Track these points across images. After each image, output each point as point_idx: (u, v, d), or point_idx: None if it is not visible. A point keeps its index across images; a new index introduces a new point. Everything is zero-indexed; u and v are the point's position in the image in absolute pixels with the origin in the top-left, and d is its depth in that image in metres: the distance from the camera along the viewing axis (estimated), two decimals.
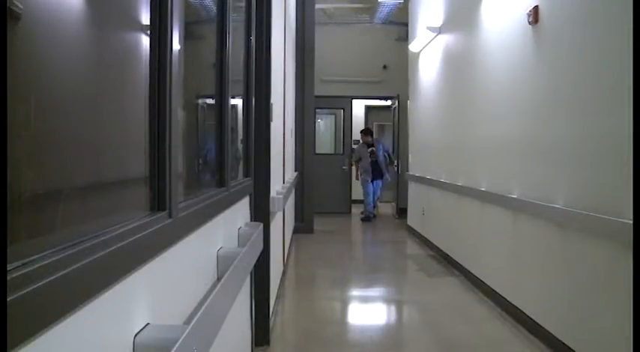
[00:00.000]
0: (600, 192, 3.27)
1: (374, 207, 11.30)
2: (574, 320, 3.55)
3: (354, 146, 11.97)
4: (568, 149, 3.65)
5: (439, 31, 7.38)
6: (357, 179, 11.54)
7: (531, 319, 4.15)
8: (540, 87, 4.10)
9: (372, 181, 11.17)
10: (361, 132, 11.51)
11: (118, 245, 0.99)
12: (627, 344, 2.52)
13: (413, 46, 8.90)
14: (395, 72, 11.15)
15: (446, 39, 7.10)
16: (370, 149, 11.11)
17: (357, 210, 11.89)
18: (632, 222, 2.80)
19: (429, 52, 8.10)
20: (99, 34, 1.09)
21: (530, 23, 4.21)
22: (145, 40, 1.29)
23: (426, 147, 8.29)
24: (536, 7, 4.13)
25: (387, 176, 11.18)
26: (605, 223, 3.10)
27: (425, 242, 8.08)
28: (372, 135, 11.41)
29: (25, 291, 0.68)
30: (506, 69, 4.86)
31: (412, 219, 9.24)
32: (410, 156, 9.65)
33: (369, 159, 11.06)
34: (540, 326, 3.98)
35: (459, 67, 6.46)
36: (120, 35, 1.23)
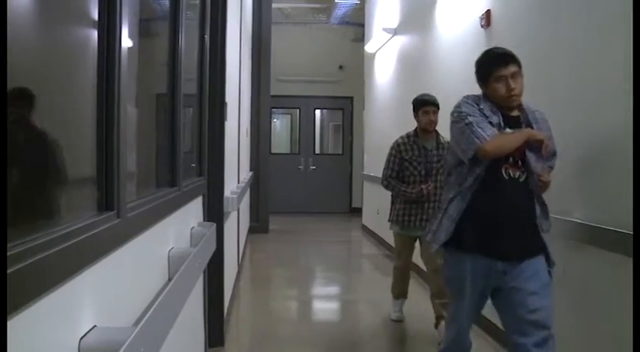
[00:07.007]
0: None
1: None
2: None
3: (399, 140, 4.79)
4: None
5: (395, 32, 7.44)
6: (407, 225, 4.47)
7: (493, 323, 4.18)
8: None
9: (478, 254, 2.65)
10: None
11: (64, 245, 0.97)
12: (627, 349, 2.46)
13: (369, 47, 8.96)
14: (351, 72, 11.22)
15: (401, 40, 7.17)
16: (512, 132, 2.60)
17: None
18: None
19: (384, 53, 8.16)
20: (46, 29, 1.06)
21: (482, 26, 4.29)
22: (94, 36, 1.26)
23: (382, 148, 8.35)
24: (488, 11, 4.21)
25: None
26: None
27: (380, 241, 8.14)
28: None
29: None
30: (460, 70, 4.93)
31: (367, 219, 9.30)
32: (365, 156, 9.71)
33: (509, 177, 2.58)
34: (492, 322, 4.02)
35: (414, 68, 6.53)
36: (68, 30, 1.20)
